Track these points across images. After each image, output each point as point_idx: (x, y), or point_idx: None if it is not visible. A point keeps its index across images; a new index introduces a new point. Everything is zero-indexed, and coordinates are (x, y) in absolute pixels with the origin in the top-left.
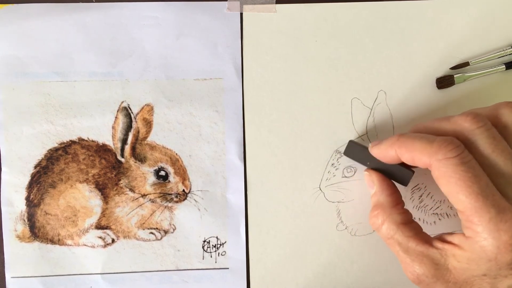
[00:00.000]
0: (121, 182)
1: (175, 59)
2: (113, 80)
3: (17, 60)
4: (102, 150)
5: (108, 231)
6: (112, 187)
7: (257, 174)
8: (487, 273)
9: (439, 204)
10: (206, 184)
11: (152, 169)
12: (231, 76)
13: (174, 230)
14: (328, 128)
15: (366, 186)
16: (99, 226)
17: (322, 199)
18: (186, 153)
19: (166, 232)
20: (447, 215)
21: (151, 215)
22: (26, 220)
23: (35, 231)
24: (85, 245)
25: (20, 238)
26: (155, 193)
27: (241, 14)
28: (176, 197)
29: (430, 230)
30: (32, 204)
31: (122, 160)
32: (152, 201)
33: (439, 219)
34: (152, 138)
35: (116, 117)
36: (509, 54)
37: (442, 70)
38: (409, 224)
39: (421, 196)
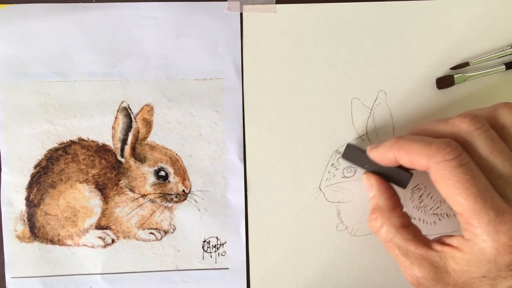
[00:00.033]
0: (121, 182)
1: (175, 59)
2: (113, 80)
3: (17, 60)
4: (102, 150)
5: (108, 231)
6: (112, 187)
7: (257, 174)
8: (486, 275)
9: (439, 204)
10: (206, 184)
11: (152, 169)
12: (231, 76)
13: (174, 230)
14: (328, 128)
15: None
16: (99, 226)
17: (322, 199)
18: (186, 153)
19: (166, 232)
20: (447, 215)
21: (151, 215)
22: (26, 220)
23: (35, 231)
24: (85, 245)
25: (20, 238)
26: (155, 193)
27: (241, 14)
28: (176, 197)
29: (430, 230)
30: (32, 204)
31: (122, 160)
32: (152, 201)
33: (439, 219)
34: (152, 138)
35: (116, 117)
36: (509, 54)
37: (442, 70)
38: (408, 227)
39: (421, 196)
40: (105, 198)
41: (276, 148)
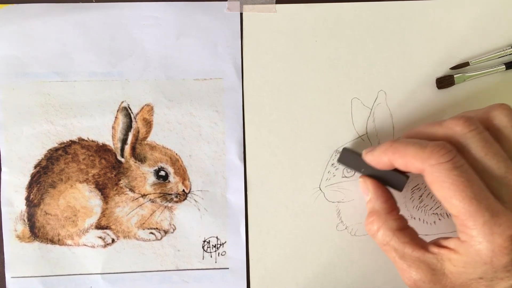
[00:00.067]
0: (121, 182)
1: (175, 59)
2: (113, 80)
3: (17, 60)
4: (102, 150)
5: (108, 231)
6: (112, 187)
7: (257, 174)
8: (483, 276)
9: (439, 204)
10: (206, 184)
11: (152, 169)
12: (231, 76)
13: (174, 230)
14: (328, 128)
15: None
16: (99, 226)
17: (322, 199)
18: (186, 153)
19: (166, 232)
20: (447, 215)
21: (151, 215)
22: (26, 220)
23: (35, 231)
24: (85, 245)
25: (20, 238)
26: (155, 193)
27: (241, 14)
28: (176, 197)
29: (430, 230)
30: (32, 204)
31: (122, 160)
32: (152, 201)
33: (439, 219)
34: (152, 138)
35: (116, 117)
36: (509, 54)
37: (442, 70)
38: (404, 230)
39: (421, 196)
40: (105, 198)
41: (276, 148)
